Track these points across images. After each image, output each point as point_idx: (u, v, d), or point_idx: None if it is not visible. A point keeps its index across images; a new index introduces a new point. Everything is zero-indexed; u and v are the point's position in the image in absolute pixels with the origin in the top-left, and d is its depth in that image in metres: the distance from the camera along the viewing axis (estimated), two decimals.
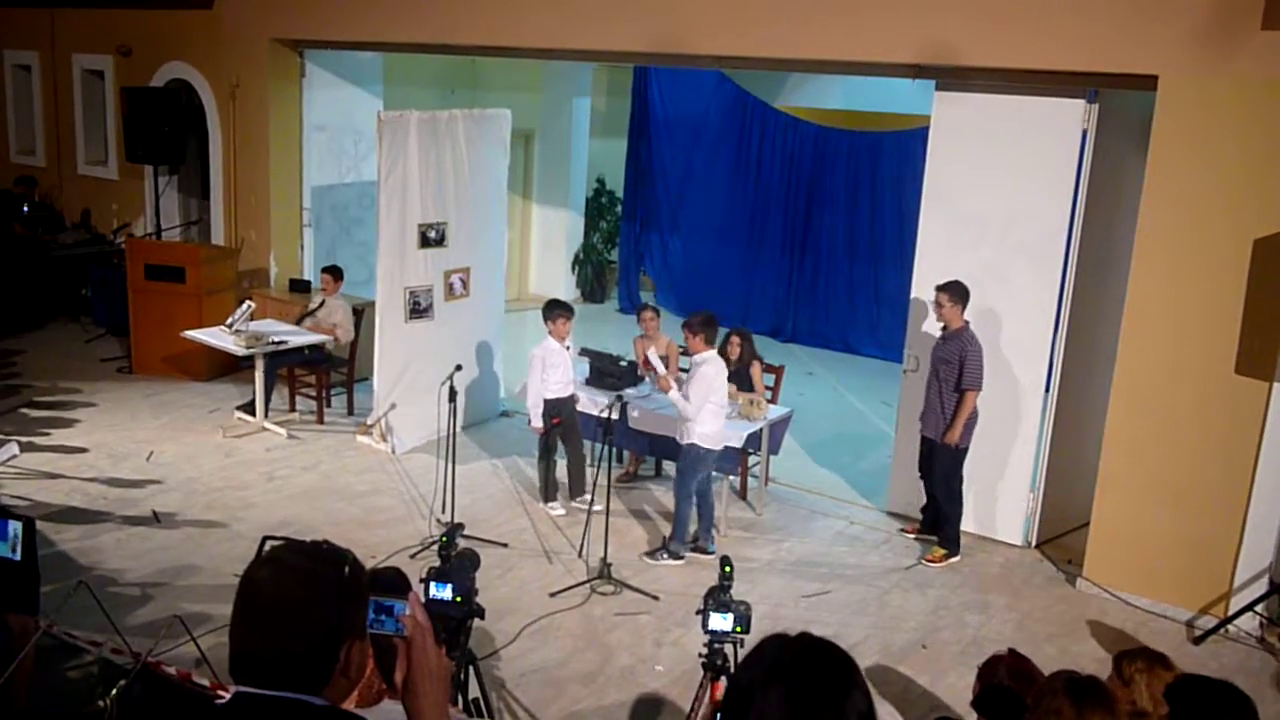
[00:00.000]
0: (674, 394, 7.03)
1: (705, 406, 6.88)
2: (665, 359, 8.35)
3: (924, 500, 7.59)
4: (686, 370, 8.57)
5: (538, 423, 7.60)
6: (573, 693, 5.61)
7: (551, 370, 7.57)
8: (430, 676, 2.05)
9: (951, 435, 7.05)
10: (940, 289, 7.04)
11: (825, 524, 7.89)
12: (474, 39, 9.22)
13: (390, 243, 8.48)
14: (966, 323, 7.05)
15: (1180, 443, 6.51)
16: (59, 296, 12.39)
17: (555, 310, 7.66)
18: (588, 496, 7.78)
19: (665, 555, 7.09)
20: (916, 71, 7.40)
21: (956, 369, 6.99)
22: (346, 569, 1.98)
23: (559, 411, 7.66)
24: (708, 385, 6.86)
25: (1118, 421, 6.75)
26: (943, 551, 7.28)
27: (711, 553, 7.12)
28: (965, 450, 7.16)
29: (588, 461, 8.12)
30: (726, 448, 7.41)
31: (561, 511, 7.75)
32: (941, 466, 7.21)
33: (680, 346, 8.68)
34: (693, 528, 7.24)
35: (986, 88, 7.23)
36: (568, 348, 7.69)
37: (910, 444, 7.82)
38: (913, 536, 7.63)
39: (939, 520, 7.35)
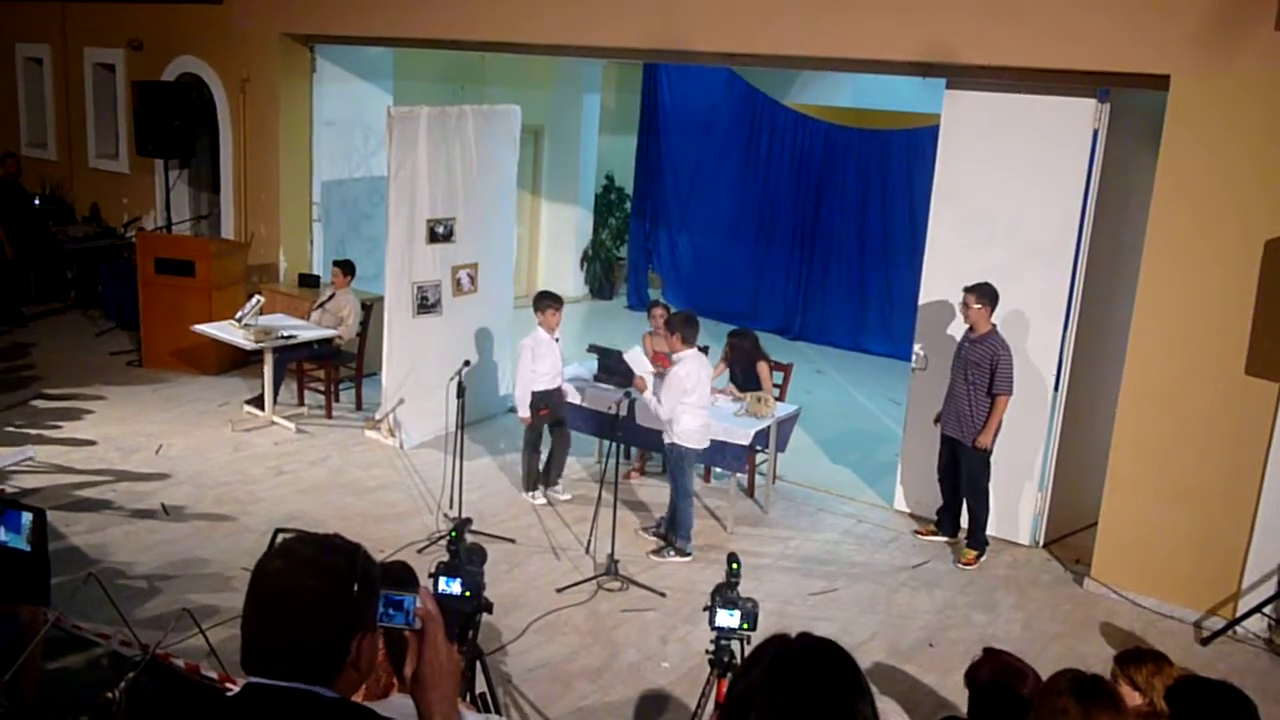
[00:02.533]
0: (648, 394, 7.08)
1: (683, 405, 6.90)
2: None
3: (940, 502, 7.56)
4: None
5: (524, 413, 7.64)
6: (579, 688, 5.61)
7: (540, 360, 7.60)
8: (440, 670, 2.06)
9: (984, 440, 7.04)
10: (969, 290, 7.00)
11: (833, 522, 7.89)
12: (484, 35, 9.23)
13: (399, 238, 8.49)
14: (994, 325, 7.03)
15: (1189, 443, 6.49)
16: (69, 289, 12.46)
17: (544, 301, 7.71)
18: (559, 487, 7.89)
19: (671, 553, 7.09)
20: (926, 70, 7.38)
21: (988, 373, 6.96)
22: (358, 562, 1.99)
23: (547, 403, 7.70)
24: (679, 386, 6.88)
25: (1127, 421, 6.73)
26: (974, 552, 7.26)
27: (690, 554, 7.16)
28: (992, 451, 7.15)
29: (594, 458, 8.14)
30: (734, 445, 7.42)
31: (541, 501, 7.81)
32: (970, 468, 7.19)
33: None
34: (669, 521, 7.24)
35: (997, 86, 7.21)
36: (557, 339, 7.72)
37: (919, 443, 7.82)
38: (927, 539, 7.61)
39: (969, 522, 7.33)
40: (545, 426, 7.83)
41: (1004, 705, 3.43)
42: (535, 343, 7.62)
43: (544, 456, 7.94)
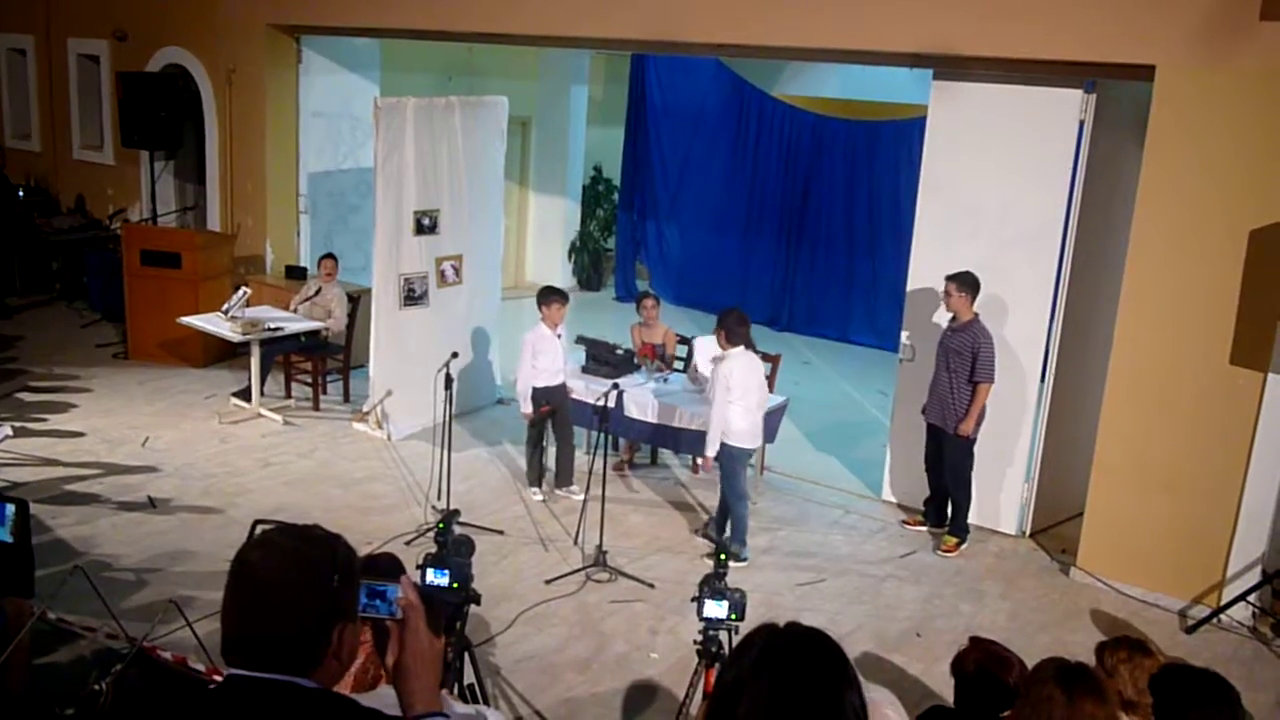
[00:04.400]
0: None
1: (730, 404, 6.78)
2: (663, 347, 8.38)
3: (927, 492, 7.59)
4: (682, 359, 8.62)
5: (527, 408, 7.59)
6: (568, 679, 5.62)
7: (540, 356, 7.51)
8: (422, 659, 2.06)
9: (965, 427, 7.06)
10: (950, 278, 7.03)
11: (820, 513, 7.90)
12: (472, 26, 9.20)
13: (385, 230, 8.47)
14: (976, 314, 7.05)
15: (1175, 433, 6.52)
16: (54, 280, 12.40)
17: (549, 296, 7.61)
18: (574, 487, 7.78)
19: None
20: (913, 60, 7.39)
21: (969, 361, 6.99)
22: (338, 552, 1.98)
23: (549, 399, 7.65)
24: (723, 384, 6.76)
25: (1113, 411, 6.76)
26: (955, 540, 7.30)
27: (714, 540, 7.12)
28: (975, 439, 7.18)
29: (583, 449, 8.12)
30: None
31: (539, 497, 7.77)
32: (953, 455, 7.22)
33: (678, 335, 8.70)
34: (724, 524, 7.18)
35: (984, 77, 7.23)
36: (559, 335, 7.65)
37: (906, 433, 7.84)
38: (913, 528, 7.63)
39: (951, 510, 7.37)
40: (549, 423, 7.75)
41: (990, 694, 3.45)
42: (536, 338, 7.52)
43: (549, 453, 7.89)
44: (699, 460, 8.37)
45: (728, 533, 7.11)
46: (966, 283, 7.00)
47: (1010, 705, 3.32)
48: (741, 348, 6.85)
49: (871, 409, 10.10)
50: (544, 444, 7.82)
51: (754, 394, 6.88)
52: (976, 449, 7.23)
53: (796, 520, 7.74)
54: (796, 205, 12.56)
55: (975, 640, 3.70)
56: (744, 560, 7.00)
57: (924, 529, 7.59)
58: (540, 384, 7.56)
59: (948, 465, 7.27)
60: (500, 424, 9.18)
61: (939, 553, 7.27)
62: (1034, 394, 7.43)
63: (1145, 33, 6.28)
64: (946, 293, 7.06)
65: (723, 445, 6.88)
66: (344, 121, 11.12)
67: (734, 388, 6.77)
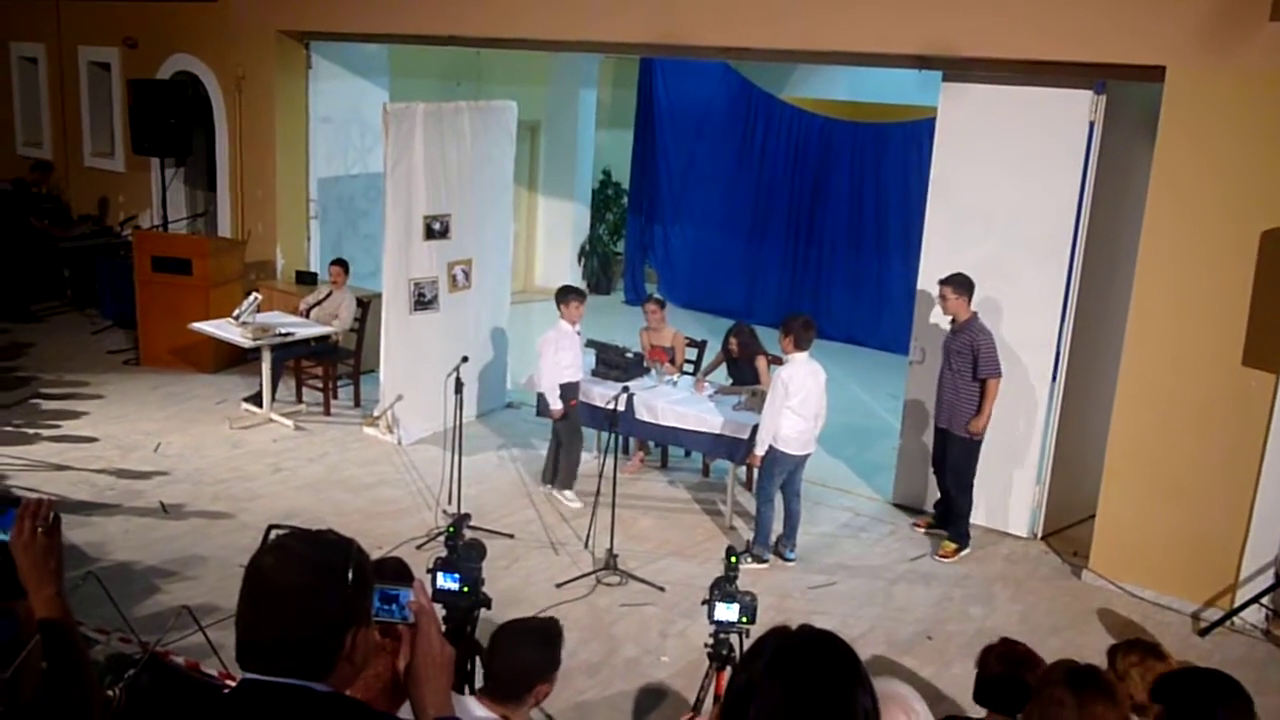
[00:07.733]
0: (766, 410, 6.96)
1: (786, 410, 6.77)
2: (671, 350, 8.38)
3: (937, 495, 7.58)
4: (692, 361, 8.62)
5: (556, 405, 7.57)
6: (578, 683, 5.62)
7: (563, 353, 7.57)
8: (434, 664, 2.08)
9: (977, 424, 7.02)
10: (943, 282, 7.03)
11: (831, 515, 7.89)
12: (480, 31, 9.22)
13: (396, 234, 8.49)
14: (974, 313, 7.04)
15: (1186, 435, 6.50)
16: (66, 287, 12.45)
17: (568, 294, 7.67)
18: (570, 494, 7.81)
19: (748, 559, 6.91)
20: (922, 63, 7.38)
21: (970, 360, 6.98)
22: (351, 556, 1.99)
23: (573, 395, 7.68)
24: (781, 389, 6.74)
25: (1124, 413, 6.74)
26: (954, 545, 7.28)
27: (791, 560, 7.09)
28: (980, 442, 7.15)
29: (592, 454, 8.12)
30: (732, 439, 7.42)
31: (578, 504, 7.71)
32: (955, 457, 7.20)
33: (687, 338, 8.71)
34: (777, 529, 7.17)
35: (993, 79, 7.21)
36: (579, 332, 7.70)
37: (916, 436, 7.83)
38: (923, 531, 7.62)
39: (951, 515, 7.35)
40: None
41: (1011, 692, 3.45)
42: (558, 335, 7.59)
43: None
44: (711, 462, 8.37)
45: (796, 557, 7.10)
46: (960, 284, 6.99)
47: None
48: (806, 354, 6.84)
49: (882, 412, 10.08)
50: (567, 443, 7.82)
51: (812, 402, 6.85)
52: (987, 450, 7.21)
53: (807, 522, 7.70)
54: (804, 208, 12.55)
55: (1005, 640, 3.73)
56: (765, 561, 7.01)
57: (935, 531, 7.57)
58: (563, 380, 7.60)
59: (950, 467, 7.25)
60: (510, 427, 9.19)
61: (937, 558, 7.24)
62: (1045, 396, 7.41)
63: (1155, 34, 6.27)
64: (942, 296, 7.05)
65: (770, 448, 6.90)
66: (353, 127, 11.16)
67: (794, 393, 6.75)
